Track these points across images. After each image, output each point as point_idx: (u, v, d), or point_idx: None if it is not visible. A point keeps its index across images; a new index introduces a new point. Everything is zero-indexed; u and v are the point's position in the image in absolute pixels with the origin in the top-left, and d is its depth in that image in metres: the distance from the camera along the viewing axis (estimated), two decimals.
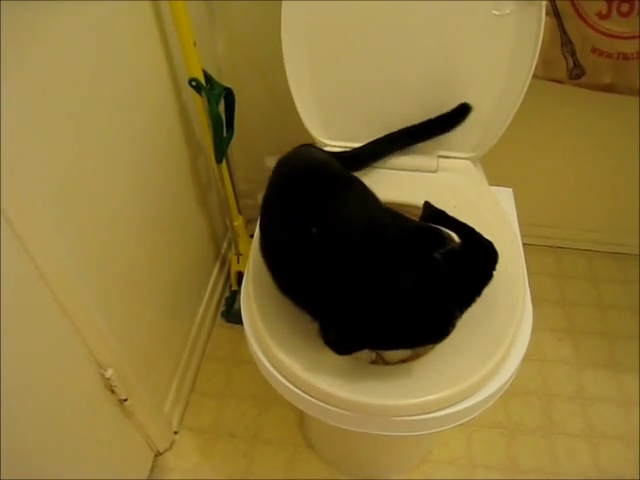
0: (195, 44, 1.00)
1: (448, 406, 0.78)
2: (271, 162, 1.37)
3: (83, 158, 0.83)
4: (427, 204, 0.85)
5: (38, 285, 0.75)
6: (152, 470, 1.21)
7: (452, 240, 0.77)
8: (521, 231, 1.01)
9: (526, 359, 0.85)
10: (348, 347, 0.76)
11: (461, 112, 1.01)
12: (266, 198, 0.86)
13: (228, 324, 1.47)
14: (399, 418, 0.78)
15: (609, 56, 1.08)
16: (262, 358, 0.83)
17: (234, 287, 1.48)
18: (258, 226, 0.89)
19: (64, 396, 0.86)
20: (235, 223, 1.33)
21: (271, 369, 0.82)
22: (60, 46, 0.74)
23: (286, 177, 0.87)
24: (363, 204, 0.84)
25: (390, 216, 0.83)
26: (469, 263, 0.77)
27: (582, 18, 1.05)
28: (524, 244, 0.99)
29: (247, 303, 0.88)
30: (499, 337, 0.83)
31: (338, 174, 0.89)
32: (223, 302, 1.51)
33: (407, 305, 0.73)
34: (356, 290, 0.73)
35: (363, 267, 0.74)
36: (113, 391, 0.97)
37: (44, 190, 0.74)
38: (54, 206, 0.76)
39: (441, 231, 0.78)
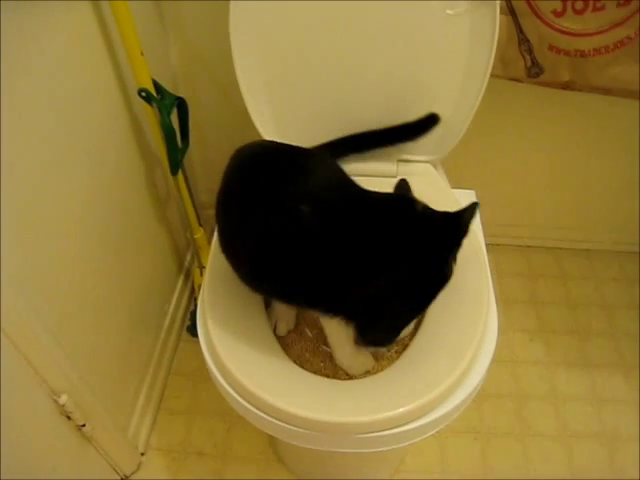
0: (143, 53, 0.96)
1: (417, 419, 0.76)
2: None
3: (27, 177, 0.79)
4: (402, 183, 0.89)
5: None
6: None
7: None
8: (489, 231, 1.00)
9: (498, 361, 0.84)
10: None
11: (429, 121, 0.99)
12: (228, 189, 0.82)
13: (194, 339, 1.42)
14: (366, 435, 0.75)
15: (567, 53, 1.07)
16: (219, 378, 0.80)
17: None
18: (217, 230, 0.86)
19: (14, 426, 0.81)
20: (196, 236, 1.30)
21: (228, 389, 0.79)
22: None
23: (248, 161, 0.84)
24: (335, 175, 0.83)
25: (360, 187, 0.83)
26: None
27: (538, 16, 1.04)
28: (493, 244, 0.98)
29: (203, 322, 0.85)
30: (464, 343, 0.81)
31: (299, 149, 0.87)
32: (188, 316, 1.47)
33: (415, 259, 0.78)
34: (358, 262, 0.75)
35: (360, 235, 0.76)
36: (69, 417, 0.93)
37: None
38: None
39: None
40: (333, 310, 0.79)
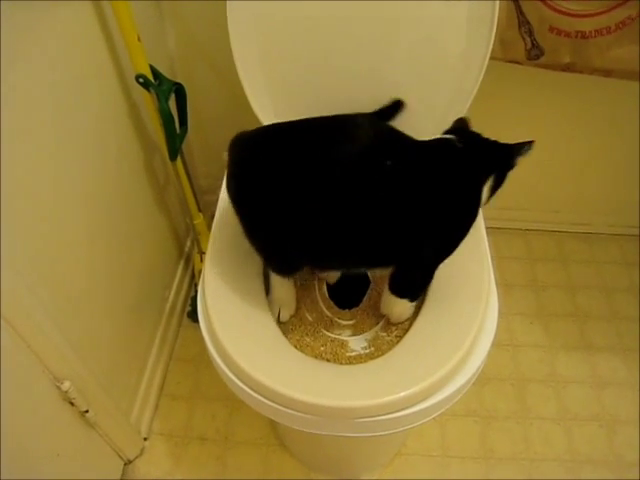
0: (140, 39, 0.95)
1: (417, 403, 0.77)
2: None
3: (27, 164, 0.78)
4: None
5: None
6: (122, 479, 1.17)
7: None
8: (489, 215, 1.00)
9: (498, 345, 0.85)
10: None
11: (393, 109, 0.98)
12: (264, 179, 0.79)
13: (195, 324, 1.43)
14: (366, 419, 0.75)
15: (567, 35, 1.06)
16: (220, 364, 0.80)
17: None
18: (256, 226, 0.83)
19: (17, 413, 0.82)
20: (196, 221, 1.30)
21: (230, 374, 0.79)
22: None
23: (269, 146, 0.82)
24: (376, 129, 0.83)
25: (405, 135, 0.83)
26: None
27: None
28: (492, 228, 0.98)
29: (203, 309, 0.85)
30: (465, 328, 0.82)
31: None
32: (189, 302, 1.47)
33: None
34: (428, 210, 0.78)
35: (426, 183, 0.78)
36: (72, 403, 0.94)
37: None
38: None
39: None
40: (392, 262, 0.82)
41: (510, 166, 0.84)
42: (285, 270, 0.86)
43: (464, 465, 1.21)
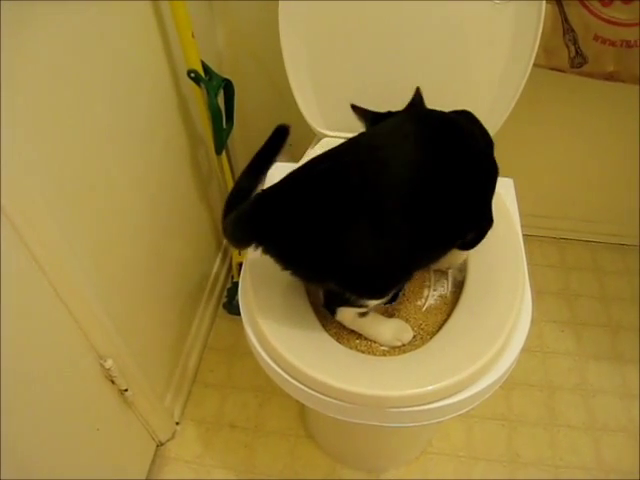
0: (193, 35, 0.99)
1: (445, 397, 0.78)
2: None
3: (82, 150, 0.83)
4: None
5: (37, 277, 0.75)
6: (154, 460, 1.22)
7: None
8: (524, 222, 1.01)
9: (528, 351, 0.85)
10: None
11: (279, 138, 0.91)
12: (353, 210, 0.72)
13: (230, 315, 1.47)
14: (396, 409, 0.78)
15: (612, 44, 1.07)
16: (260, 350, 0.83)
17: (236, 279, 1.48)
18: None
19: (63, 386, 0.86)
20: None
21: (268, 360, 0.82)
22: (57, 39, 0.74)
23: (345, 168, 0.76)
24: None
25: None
26: None
27: (584, 5, 1.03)
28: (527, 235, 0.98)
29: (245, 296, 0.88)
30: (497, 328, 0.83)
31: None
32: (225, 293, 1.51)
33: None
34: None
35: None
36: (113, 381, 0.98)
37: (41, 181, 0.74)
38: (52, 198, 0.76)
39: None
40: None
41: None
42: (386, 290, 0.80)
43: (489, 467, 1.22)
